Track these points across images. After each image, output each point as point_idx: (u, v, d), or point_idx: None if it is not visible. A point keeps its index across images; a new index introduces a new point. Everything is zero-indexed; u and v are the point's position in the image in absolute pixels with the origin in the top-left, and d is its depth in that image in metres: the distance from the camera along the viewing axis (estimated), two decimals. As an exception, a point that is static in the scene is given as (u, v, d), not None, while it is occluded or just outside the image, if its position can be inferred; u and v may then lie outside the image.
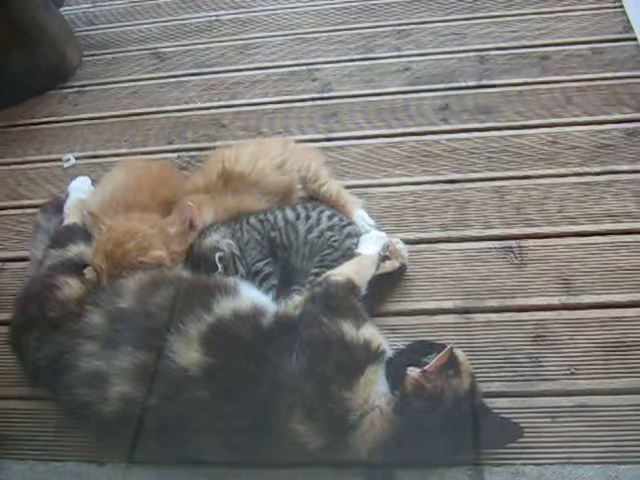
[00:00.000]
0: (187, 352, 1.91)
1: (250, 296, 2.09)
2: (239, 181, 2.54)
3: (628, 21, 3.39)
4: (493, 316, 2.28)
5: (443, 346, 1.84)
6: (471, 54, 3.39)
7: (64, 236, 2.47)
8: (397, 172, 2.86)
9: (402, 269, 2.41)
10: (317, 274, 2.29)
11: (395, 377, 1.86)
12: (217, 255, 2.30)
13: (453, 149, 2.90)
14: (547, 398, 2.05)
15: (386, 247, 2.38)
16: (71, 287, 2.18)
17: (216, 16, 4.04)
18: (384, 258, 2.36)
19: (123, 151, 3.24)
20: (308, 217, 2.44)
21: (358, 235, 2.42)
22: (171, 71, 3.70)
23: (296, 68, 3.54)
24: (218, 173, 2.55)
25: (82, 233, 2.46)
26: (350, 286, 2.12)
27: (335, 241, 2.37)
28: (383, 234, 2.43)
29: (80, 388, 1.98)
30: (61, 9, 4.16)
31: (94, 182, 2.82)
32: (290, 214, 2.45)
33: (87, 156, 3.24)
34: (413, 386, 1.81)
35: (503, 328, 2.24)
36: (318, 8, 3.94)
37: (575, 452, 1.92)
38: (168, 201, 2.53)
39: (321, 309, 2.00)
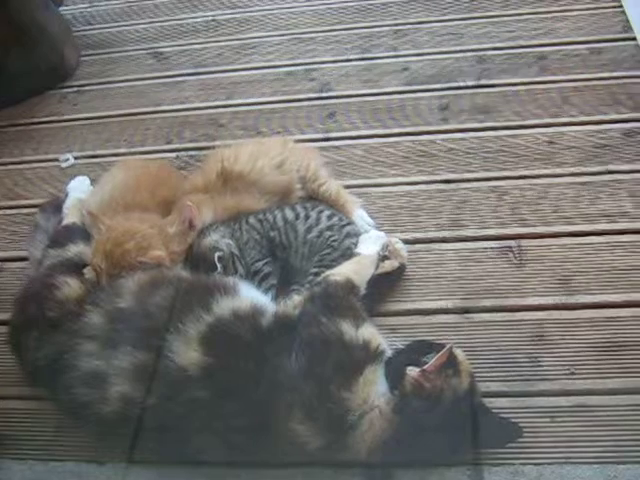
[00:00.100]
0: (186, 352, 1.91)
1: (249, 296, 2.09)
2: (238, 181, 2.54)
3: (627, 21, 3.40)
4: (492, 316, 2.28)
5: (442, 346, 1.84)
6: (469, 54, 3.40)
7: (63, 236, 2.47)
8: (395, 172, 2.86)
9: (401, 269, 2.41)
10: (316, 274, 2.29)
11: (394, 377, 1.86)
12: (216, 255, 2.30)
13: (451, 149, 2.90)
14: (546, 398, 2.05)
15: (385, 247, 2.38)
16: (70, 287, 2.18)
17: (213, 16, 4.04)
18: (383, 258, 2.37)
19: (122, 151, 3.24)
20: (307, 217, 2.44)
21: (357, 235, 2.43)
22: (169, 71, 3.70)
23: (294, 68, 3.54)
24: (217, 173, 2.55)
25: (81, 233, 2.46)
26: (349, 286, 2.12)
27: (334, 241, 2.38)
28: (382, 234, 2.44)
29: (79, 388, 1.98)
30: (60, 9, 4.15)
31: (93, 182, 2.82)
32: (289, 214, 2.46)
33: (86, 156, 3.24)
34: (412, 386, 1.82)
35: (502, 328, 2.24)
36: (315, 8, 3.94)
37: (574, 452, 1.92)
38: (167, 201, 2.53)
39: (320, 309, 2.00)
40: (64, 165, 3.19)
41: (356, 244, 2.38)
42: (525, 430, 1.90)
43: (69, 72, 3.81)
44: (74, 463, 2.08)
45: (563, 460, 1.91)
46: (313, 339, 1.93)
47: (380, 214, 2.65)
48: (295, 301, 2.08)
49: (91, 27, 4.20)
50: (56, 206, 2.73)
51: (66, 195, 2.73)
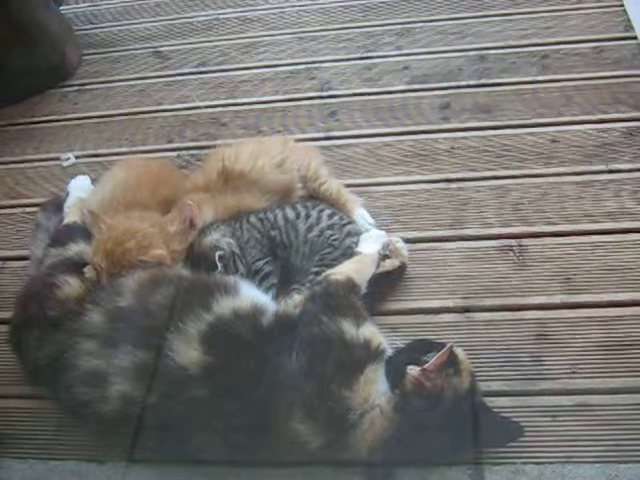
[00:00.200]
0: (187, 351, 1.91)
1: (250, 295, 2.09)
2: (239, 180, 2.54)
3: (629, 20, 3.39)
4: (493, 315, 2.28)
5: (443, 345, 1.84)
6: (471, 53, 3.40)
7: (64, 235, 2.48)
8: (396, 171, 2.86)
9: (402, 268, 2.40)
10: (317, 273, 2.29)
11: (395, 376, 1.85)
12: (217, 254, 2.31)
13: (452, 148, 2.90)
14: (547, 397, 2.05)
15: (386, 246, 2.38)
16: (71, 286, 2.18)
17: (215, 15, 4.04)
18: (384, 257, 2.36)
19: (123, 150, 3.24)
20: (308, 216, 2.44)
21: (358, 234, 2.43)
22: (171, 70, 3.71)
23: (295, 67, 3.55)
24: (218, 172, 2.55)
25: (82, 232, 2.46)
26: (350, 285, 2.12)
27: (335, 240, 2.37)
28: (383, 233, 2.44)
29: (80, 387, 1.98)
30: (61, 8, 4.17)
31: (94, 181, 2.82)
32: (290, 213, 2.45)
33: (87, 155, 3.25)
34: (413, 385, 1.81)
35: (503, 327, 2.23)
36: (316, 7, 3.95)
37: (575, 451, 1.92)
38: (168, 200, 2.53)
39: (321, 308, 2.00)
40: (65, 164, 3.19)
41: (357, 243, 2.38)
42: (526, 429, 1.90)
43: (70, 71, 3.81)
44: (74, 462, 2.08)
45: (564, 459, 1.90)
46: (314, 338, 1.93)
47: (381, 213, 2.65)
48: (296, 300, 2.08)
49: (93, 26, 4.21)
50: (57, 205, 2.73)
51: (67, 194, 2.73)
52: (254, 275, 2.36)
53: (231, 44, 3.80)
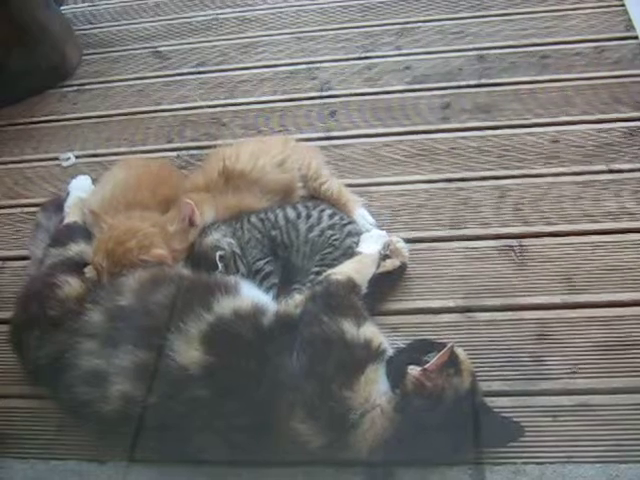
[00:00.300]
0: (187, 351, 1.91)
1: (250, 295, 2.09)
2: (240, 179, 2.54)
3: (629, 20, 3.39)
4: (494, 315, 2.28)
5: (443, 345, 1.84)
6: (471, 53, 3.39)
7: (64, 235, 2.48)
8: (396, 171, 2.86)
9: (402, 268, 2.40)
10: (318, 273, 2.29)
11: (396, 376, 1.86)
12: (218, 254, 2.31)
13: (452, 148, 2.90)
14: (548, 397, 2.05)
15: (387, 246, 2.38)
16: (71, 286, 2.18)
17: (215, 15, 4.04)
18: (385, 257, 2.37)
19: (123, 150, 3.24)
20: (309, 216, 2.44)
21: (359, 234, 2.43)
22: (171, 70, 3.71)
23: (295, 67, 3.54)
24: (219, 171, 2.55)
25: (82, 232, 2.47)
26: (351, 285, 2.12)
27: (336, 240, 2.37)
28: (384, 233, 2.44)
29: (80, 387, 1.98)
30: (61, 8, 4.17)
31: (94, 181, 2.82)
32: (291, 213, 2.45)
33: (87, 155, 3.24)
34: (414, 385, 1.81)
35: (504, 327, 2.23)
36: (316, 7, 3.94)
37: (576, 451, 1.92)
38: (168, 200, 2.53)
39: (322, 308, 2.00)
40: (65, 164, 3.19)
41: (357, 243, 2.38)
42: (527, 429, 1.90)
43: (70, 71, 3.81)
44: (75, 462, 2.08)
45: (565, 459, 1.90)
46: (314, 338, 1.93)
47: (381, 213, 2.65)
48: (296, 300, 2.08)
49: (92, 26, 4.20)
50: (57, 205, 2.73)
51: (67, 194, 2.74)
52: (255, 275, 2.36)
53: (230, 44, 3.80)
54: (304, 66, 3.53)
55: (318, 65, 3.52)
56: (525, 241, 2.48)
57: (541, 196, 2.63)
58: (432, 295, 2.37)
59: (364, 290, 2.17)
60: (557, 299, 2.29)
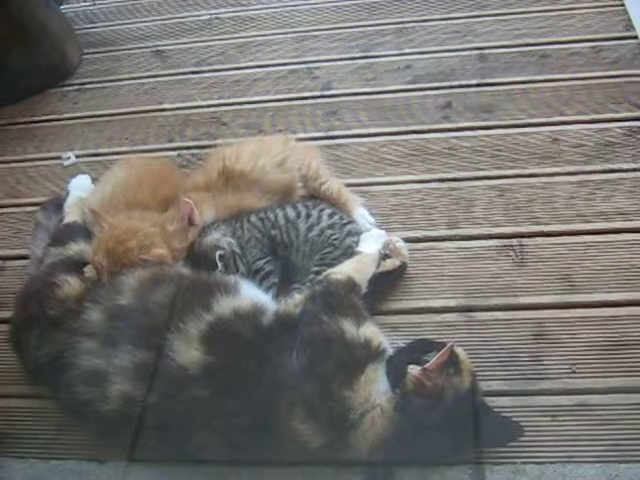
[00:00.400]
0: (187, 351, 1.91)
1: (250, 295, 2.09)
2: (240, 179, 2.54)
3: (629, 19, 3.39)
4: (493, 314, 2.27)
5: (443, 344, 1.84)
6: (472, 52, 3.39)
7: (64, 234, 2.48)
8: (396, 170, 2.86)
9: (402, 267, 2.40)
10: (317, 272, 2.29)
11: (396, 375, 1.85)
12: (217, 253, 2.31)
13: (453, 147, 2.90)
14: (547, 397, 2.05)
15: (386, 245, 2.38)
16: (71, 285, 2.18)
17: (216, 14, 4.04)
18: (384, 256, 2.36)
19: (123, 149, 3.24)
20: (309, 215, 2.44)
21: (358, 233, 2.43)
22: (171, 69, 3.70)
23: (296, 66, 3.54)
24: (219, 171, 2.55)
25: (82, 231, 2.47)
26: (351, 284, 2.12)
27: (336, 239, 2.37)
28: (383, 232, 2.44)
29: (80, 386, 1.98)
30: (61, 7, 4.18)
31: (94, 180, 2.82)
32: (291, 212, 2.45)
33: (87, 154, 3.24)
34: (414, 384, 1.81)
35: (504, 326, 2.23)
36: (317, 6, 3.94)
37: (576, 451, 1.92)
38: (169, 199, 2.53)
39: (321, 307, 1.99)
40: (66, 163, 3.19)
41: (357, 243, 2.38)
42: (526, 429, 1.90)
43: (70, 70, 3.81)
44: (75, 461, 2.08)
45: (565, 459, 1.90)
46: (314, 338, 1.93)
47: (381, 212, 2.65)
48: (296, 300, 2.08)
49: (93, 25, 4.20)
50: (57, 204, 2.74)
51: (67, 193, 2.74)
52: (254, 274, 2.36)
53: (232, 43, 3.80)
54: (305, 65, 3.53)
55: (319, 64, 3.52)
56: (525, 240, 2.48)
57: (541, 196, 2.63)
58: (432, 295, 2.37)
59: (364, 290, 2.17)
60: (556, 299, 2.29)
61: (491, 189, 2.69)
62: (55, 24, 3.80)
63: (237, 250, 2.38)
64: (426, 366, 1.79)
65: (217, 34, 3.89)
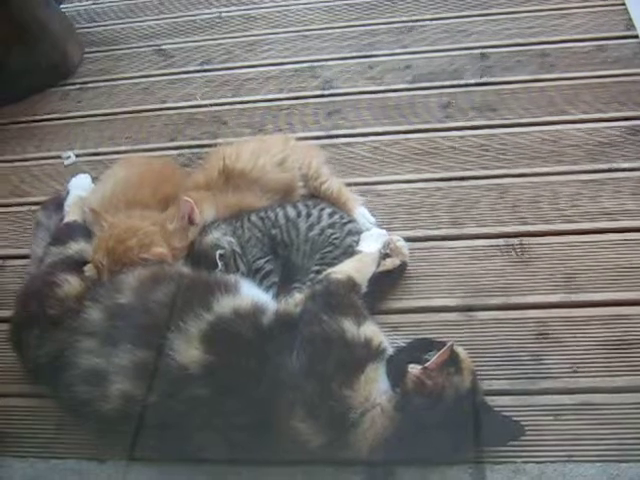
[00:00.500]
0: (187, 350, 1.90)
1: (250, 294, 2.08)
2: (240, 178, 2.53)
3: (630, 19, 3.39)
4: (495, 314, 2.27)
5: (444, 343, 1.84)
6: (473, 51, 3.39)
7: (64, 233, 2.48)
8: (399, 169, 2.85)
9: (403, 267, 2.40)
10: (318, 272, 2.29)
11: (396, 374, 1.85)
12: (218, 252, 2.31)
13: (453, 147, 2.90)
14: (549, 396, 2.04)
15: (387, 245, 2.37)
16: (71, 284, 2.18)
17: (219, 13, 4.04)
18: (385, 256, 2.36)
19: (124, 148, 3.24)
20: (309, 215, 2.44)
21: (359, 233, 2.42)
22: (174, 68, 3.71)
23: (298, 65, 3.54)
24: (219, 170, 2.55)
25: (82, 230, 2.47)
26: (351, 284, 2.11)
27: (336, 239, 2.37)
28: (384, 232, 2.44)
29: (80, 385, 1.98)
30: (62, 6, 4.20)
31: (95, 179, 2.82)
32: (291, 212, 2.45)
33: (88, 153, 3.24)
34: (414, 383, 1.81)
35: (505, 326, 2.23)
36: (319, 5, 3.94)
37: (577, 450, 1.91)
38: (169, 198, 2.53)
39: (322, 307, 1.99)
40: (66, 163, 3.19)
41: (357, 242, 2.38)
42: (528, 428, 1.89)
43: (71, 69, 3.81)
44: (75, 461, 2.08)
45: (565, 458, 1.90)
46: (314, 337, 1.92)
47: (381, 212, 2.64)
48: (296, 299, 2.08)
49: (95, 24, 4.20)
50: (57, 204, 2.73)
51: (67, 193, 2.73)
52: (255, 274, 2.36)
53: (235, 42, 3.80)
54: (307, 64, 3.53)
55: (322, 63, 3.52)
56: (526, 240, 2.47)
57: (542, 195, 2.63)
58: (432, 294, 2.37)
59: (364, 289, 2.17)
60: (558, 298, 2.28)
61: (492, 188, 2.68)
62: (55, 23, 3.80)
63: (237, 249, 2.37)
64: (426, 365, 1.79)
65: (220, 33, 3.90)
